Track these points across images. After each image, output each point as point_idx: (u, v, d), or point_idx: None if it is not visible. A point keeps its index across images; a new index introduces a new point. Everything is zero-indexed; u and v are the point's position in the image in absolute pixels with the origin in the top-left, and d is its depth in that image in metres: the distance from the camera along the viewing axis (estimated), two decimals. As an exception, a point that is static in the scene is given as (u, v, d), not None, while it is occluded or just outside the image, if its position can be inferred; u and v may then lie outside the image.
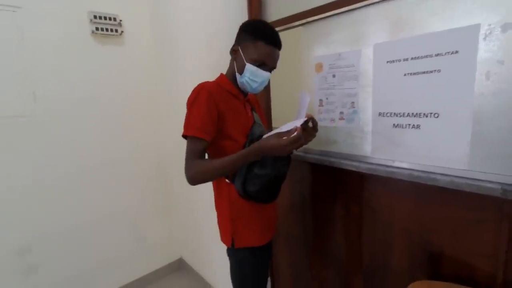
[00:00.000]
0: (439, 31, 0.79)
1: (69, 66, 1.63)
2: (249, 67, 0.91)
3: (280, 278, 1.54)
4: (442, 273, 0.89)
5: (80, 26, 1.65)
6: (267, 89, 1.34)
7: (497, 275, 0.78)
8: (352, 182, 1.09)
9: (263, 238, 1.03)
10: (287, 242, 1.43)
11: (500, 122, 0.72)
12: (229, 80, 0.99)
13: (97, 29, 1.67)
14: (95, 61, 1.73)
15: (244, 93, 1.02)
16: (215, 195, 1.05)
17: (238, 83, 0.97)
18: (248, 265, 1.02)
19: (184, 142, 0.91)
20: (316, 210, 1.26)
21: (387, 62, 0.91)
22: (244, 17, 1.31)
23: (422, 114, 0.86)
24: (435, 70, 0.81)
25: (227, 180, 0.98)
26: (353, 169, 1.03)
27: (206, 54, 1.52)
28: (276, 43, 0.92)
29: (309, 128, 0.91)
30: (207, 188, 1.06)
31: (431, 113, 0.84)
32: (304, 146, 0.98)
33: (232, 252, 1.03)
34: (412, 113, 0.88)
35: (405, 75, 0.87)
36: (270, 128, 1.37)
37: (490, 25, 0.70)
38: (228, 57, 1.01)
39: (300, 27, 1.14)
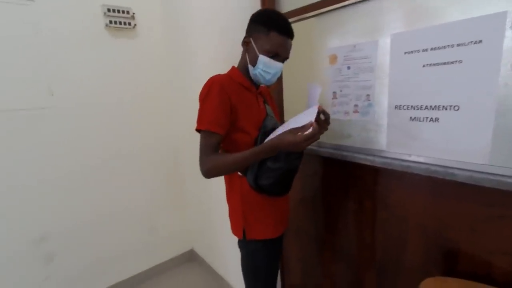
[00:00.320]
0: (461, 20, 0.75)
1: (84, 59, 1.66)
2: (262, 58, 0.89)
3: (290, 271, 1.54)
4: (457, 269, 0.87)
5: (94, 20, 1.67)
6: (279, 81, 1.32)
7: (517, 273, 0.75)
8: (365, 176, 1.08)
9: (276, 231, 1.03)
10: (298, 235, 1.43)
11: (525, 115, 0.69)
12: (240, 73, 0.98)
13: (110, 22, 1.69)
14: (109, 54, 1.75)
15: (256, 85, 1.01)
16: (226, 188, 1.06)
17: (251, 75, 0.96)
18: (261, 257, 1.03)
19: (197, 135, 0.91)
20: (328, 204, 1.25)
21: (405, 53, 0.88)
22: (256, 8, 1.29)
23: (441, 107, 0.83)
24: (456, 61, 0.78)
25: (239, 173, 0.98)
26: (368, 163, 1.01)
27: (219, 46, 1.52)
28: (289, 33, 0.91)
29: (321, 121, 0.89)
30: (219, 181, 1.07)
31: (450, 106, 0.81)
32: (317, 141, 0.97)
33: (244, 244, 1.04)
34: (431, 106, 0.85)
35: (424, 66, 0.84)
36: (282, 121, 1.36)
37: (518, 12, 0.67)
38: (240, 49, 1.00)
39: (314, 18, 1.12)
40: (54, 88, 1.57)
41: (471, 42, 0.74)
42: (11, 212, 1.51)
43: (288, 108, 1.35)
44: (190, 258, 2.34)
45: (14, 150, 1.49)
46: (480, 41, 0.73)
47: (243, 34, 0.97)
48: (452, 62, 0.78)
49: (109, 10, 1.67)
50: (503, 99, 0.71)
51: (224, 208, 1.09)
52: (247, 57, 0.95)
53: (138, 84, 1.90)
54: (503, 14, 0.68)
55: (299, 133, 0.76)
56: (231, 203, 1.05)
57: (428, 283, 0.83)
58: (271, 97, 1.17)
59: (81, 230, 1.75)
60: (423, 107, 0.86)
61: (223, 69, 1.02)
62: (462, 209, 0.83)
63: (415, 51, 0.86)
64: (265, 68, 0.91)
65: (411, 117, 0.90)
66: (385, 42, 0.92)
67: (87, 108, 1.70)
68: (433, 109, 0.84)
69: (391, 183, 1.00)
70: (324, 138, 0.97)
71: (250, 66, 0.94)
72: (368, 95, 1.00)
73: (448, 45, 0.78)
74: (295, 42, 0.95)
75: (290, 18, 1.17)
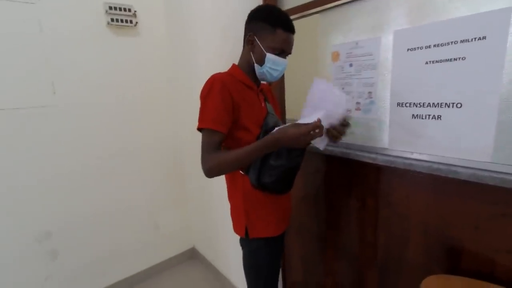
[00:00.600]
0: (464, 16, 0.75)
1: (85, 58, 1.66)
2: (270, 56, 0.89)
3: (292, 269, 1.54)
4: (460, 268, 0.87)
5: (96, 18, 1.67)
6: (281, 78, 1.31)
7: (520, 271, 0.75)
8: (368, 174, 1.07)
9: (278, 229, 1.03)
10: (300, 233, 1.43)
11: (530, 112, 0.68)
12: (242, 71, 0.97)
13: (112, 20, 1.69)
14: (110, 52, 1.75)
15: (257, 83, 1.01)
16: (228, 186, 1.06)
17: (257, 73, 0.96)
18: (263, 255, 1.02)
19: (198, 134, 0.91)
20: (330, 202, 1.25)
21: (408, 49, 0.87)
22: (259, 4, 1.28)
23: (444, 104, 0.82)
24: (459, 58, 0.77)
25: (241, 172, 0.97)
26: (370, 161, 1.01)
27: (221, 44, 1.51)
28: (292, 29, 0.91)
29: (338, 126, 0.89)
30: (220, 179, 1.06)
31: (453, 103, 0.80)
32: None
33: (246, 242, 1.04)
34: (433, 103, 0.84)
35: (426, 63, 0.84)
36: (283, 119, 1.36)
37: (522, 8, 0.66)
38: (242, 48, 0.99)
39: (317, 15, 1.11)
40: (56, 86, 1.57)
41: (475, 38, 0.74)
42: (13, 211, 1.52)
43: (290, 105, 1.35)
44: (192, 256, 2.34)
45: (16, 148, 1.49)
46: (484, 38, 0.72)
47: (245, 32, 0.96)
48: (456, 59, 0.78)
49: (110, 8, 1.67)
50: (507, 96, 0.71)
51: (225, 206, 1.09)
52: (251, 55, 0.94)
53: (140, 82, 1.90)
54: (508, 10, 0.68)
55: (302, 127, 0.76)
56: (233, 201, 1.05)
57: (431, 281, 0.82)
58: (273, 94, 1.17)
59: (82, 229, 1.75)
60: (426, 104, 0.86)
61: (225, 67, 1.02)
62: (465, 207, 0.83)
63: (418, 48, 0.85)
64: (273, 65, 0.91)
65: (413, 115, 0.89)
66: (388, 39, 0.92)
67: (88, 107, 1.70)
68: (435, 106, 0.84)
69: (394, 181, 1.00)
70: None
71: (256, 65, 0.93)
72: (370, 92, 1.00)
73: (452, 42, 0.78)
74: (297, 39, 0.94)
75: (292, 15, 1.17)
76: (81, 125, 1.69)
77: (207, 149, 0.86)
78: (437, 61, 0.81)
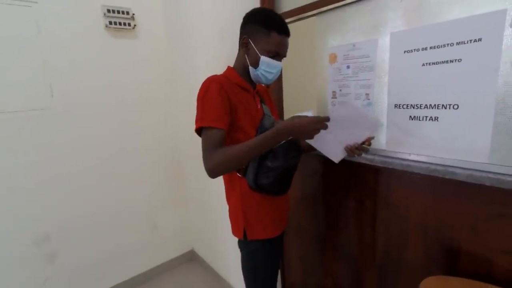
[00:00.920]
0: (460, 18, 0.75)
1: (84, 60, 1.66)
2: (264, 59, 0.89)
3: (291, 270, 1.54)
4: (459, 268, 0.87)
5: (94, 20, 1.67)
6: (279, 80, 1.32)
7: (518, 272, 0.75)
8: (365, 175, 1.07)
9: (276, 230, 1.03)
10: (299, 234, 1.43)
11: (525, 113, 0.69)
12: (237, 73, 0.98)
13: (110, 23, 1.69)
14: (109, 55, 1.75)
15: (253, 85, 1.01)
16: (226, 188, 1.06)
17: (252, 76, 0.96)
18: (261, 257, 1.03)
19: (198, 135, 0.91)
20: (328, 203, 1.25)
21: (405, 52, 0.88)
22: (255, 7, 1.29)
23: (440, 106, 0.83)
24: (455, 60, 0.77)
25: (238, 174, 0.98)
26: (367, 162, 1.01)
27: (219, 46, 1.52)
28: (287, 32, 0.91)
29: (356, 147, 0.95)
30: (219, 181, 1.06)
31: (450, 105, 0.81)
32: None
33: (244, 245, 1.04)
34: (430, 105, 0.85)
35: (423, 65, 0.84)
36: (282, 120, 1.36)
37: (517, 10, 0.67)
38: (238, 50, 1.00)
39: (314, 17, 1.12)
40: (54, 89, 1.58)
41: (471, 40, 0.74)
42: (12, 213, 1.51)
43: (287, 107, 1.35)
44: (191, 258, 2.34)
45: (14, 151, 1.49)
46: (480, 40, 0.73)
47: (242, 34, 0.96)
48: (452, 61, 0.78)
49: (109, 11, 1.67)
50: (503, 97, 0.71)
51: (225, 207, 1.09)
52: (246, 58, 0.94)
53: (138, 85, 1.90)
54: (503, 12, 0.68)
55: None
56: (231, 203, 1.05)
57: (430, 281, 0.83)
58: (269, 96, 1.17)
59: (81, 231, 1.75)
60: (423, 106, 0.86)
61: (223, 69, 1.02)
62: (463, 208, 0.83)
63: (414, 50, 0.85)
64: (267, 68, 0.91)
65: (410, 116, 0.90)
66: (385, 41, 0.92)
67: (87, 109, 1.70)
68: (432, 108, 0.84)
69: (392, 182, 1.00)
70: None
71: (251, 68, 0.94)
72: (367, 94, 1.00)
73: (448, 44, 0.78)
74: (294, 42, 0.95)
75: (289, 17, 1.17)
76: (80, 128, 1.69)
77: (209, 148, 0.83)
78: (433, 63, 0.82)
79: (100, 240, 1.83)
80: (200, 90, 0.90)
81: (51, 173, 1.61)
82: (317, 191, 1.29)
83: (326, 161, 1.21)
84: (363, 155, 1.02)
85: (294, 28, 0.93)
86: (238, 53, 0.99)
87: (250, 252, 1.03)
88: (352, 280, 1.21)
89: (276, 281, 1.10)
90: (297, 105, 1.31)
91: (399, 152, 0.95)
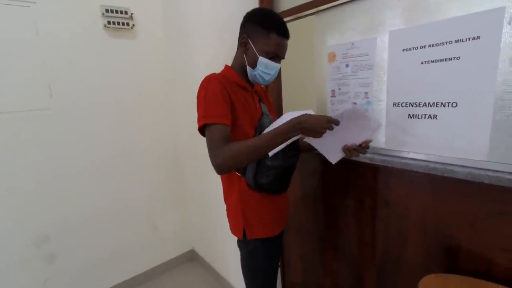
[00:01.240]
0: (459, 16, 0.75)
1: (83, 60, 1.66)
2: (262, 60, 0.89)
3: (291, 269, 1.54)
4: (459, 267, 0.87)
5: (92, 20, 1.67)
6: (277, 79, 1.32)
7: (517, 270, 0.75)
8: (365, 174, 1.07)
9: (275, 229, 1.03)
10: (299, 234, 1.43)
11: (524, 111, 0.69)
12: (235, 72, 0.97)
13: (109, 23, 1.69)
14: (108, 55, 1.75)
15: (251, 84, 1.01)
16: (224, 187, 1.05)
17: (249, 76, 0.96)
18: (260, 256, 1.03)
19: (198, 135, 0.90)
20: (328, 202, 1.25)
21: (403, 50, 0.88)
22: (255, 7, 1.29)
23: (439, 104, 0.83)
24: (454, 57, 0.77)
25: (237, 173, 0.98)
26: (366, 161, 1.01)
27: (218, 46, 1.52)
28: (286, 34, 0.91)
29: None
30: (219, 181, 1.06)
31: (449, 103, 0.81)
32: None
33: (244, 244, 1.04)
34: (429, 103, 0.85)
35: (422, 63, 0.84)
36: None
37: (515, 8, 0.67)
38: (237, 49, 1.00)
39: (313, 16, 1.12)
40: (53, 89, 1.57)
41: (469, 38, 0.74)
42: (12, 214, 1.51)
43: (286, 106, 1.35)
44: (191, 258, 2.34)
45: (14, 151, 1.49)
46: (478, 37, 0.73)
47: (241, 34, 0.96)
48: (450, 59, 0.78)
49: (107, 10, 1.67)
50: (501, 95, 0.71)
51: (224, 207, 1.09)
52: (244, 57, 0.94)
53: (137, 85, 1.90)
54: (501, 10, 0.68)
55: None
56: (229, 203, 1.05)
57: (429, 279, 0.83)
58: (267, 95, 1.17)
59: (81, 231, 1.75)
60: (422, 104, 0.86)
61: (222, 69, 1.02)
62: (462, 206, 0.83)
63: (413, 48, 0.85)
64: (265, 69, 0.91)
65: (409, 115, 0.90)
66: (383, 40, 0.92)
67: (86, 109, 1.70)
68: (431, 106, 0.84)
69: (391, 180, 1.00)
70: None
71: (248, 68, 0.94)
72: (366, 92, 1.00)
73: (446, 42, 0.78)
74: (293, 40, 0.94)
75: (287, 16, 1.17)
76: (79, 128, 1.69)
77: (216, 144, 0.81)
78: (432, 61, 0.82)
79: (100, 240, 1.83)
80: (200, 88, 0.89)
81: (51, 173, 1.61)
82: (316, 190, 1.29)
83: (325, 160, 1.20)
84: (364, 154, 1.01)
85: (293, 27, 0.93)
86: (237, 52, 0.99)
87: (250, 251, 1.03)
88: (352, 279, 1.21)
89: (276, 279, 1.10)
90: (296, 104, 1.31)
91: (398, 151, 0.95)
